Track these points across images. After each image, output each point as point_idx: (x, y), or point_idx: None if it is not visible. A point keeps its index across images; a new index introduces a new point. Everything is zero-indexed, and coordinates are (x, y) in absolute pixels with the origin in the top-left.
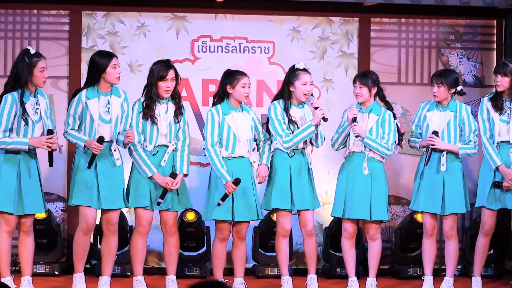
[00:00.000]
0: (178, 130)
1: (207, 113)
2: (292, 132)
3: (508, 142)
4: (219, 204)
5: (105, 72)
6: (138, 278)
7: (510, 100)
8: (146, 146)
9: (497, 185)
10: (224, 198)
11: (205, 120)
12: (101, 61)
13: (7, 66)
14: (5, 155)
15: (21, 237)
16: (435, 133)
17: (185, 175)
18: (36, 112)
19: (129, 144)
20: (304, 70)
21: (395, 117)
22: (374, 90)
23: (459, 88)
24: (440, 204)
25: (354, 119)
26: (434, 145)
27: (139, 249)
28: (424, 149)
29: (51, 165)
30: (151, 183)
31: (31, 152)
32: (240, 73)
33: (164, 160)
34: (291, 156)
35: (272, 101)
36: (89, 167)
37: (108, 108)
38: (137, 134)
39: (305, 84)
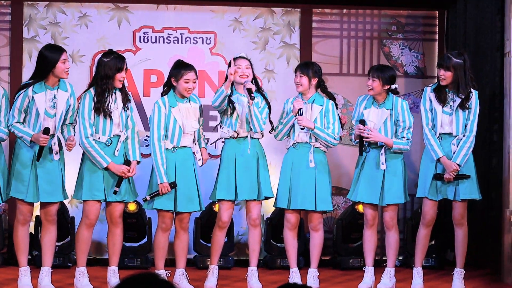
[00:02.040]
0: (127, 118)
1: (153, 104)
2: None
3: (450, 134)
4: (145, 200)
5: (54, 67)
6: (81, 269)
7: (453, 92)
8: (99, 138)
9: (438, 177)
10: (153, 196)
11: (152, 112)
12: (51, 56)
13: None
14: None
15: None
16: (362, 122)
17: (138, 162)
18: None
19: (81, 141)
20: (241, 57)
21: (337, 107)
22: (314, 81)
23: (393, 86)
24: (379, 194)
25: (300, 111)
26: (364, 136)
27: (85, 241)
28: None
29: (38, 159)
30: (105, 175)
31: None
32: (186, 67)
33: (118, 150)
34: (236, 138)
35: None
36: (38, 159)
37: (54, 103)
38: (89, 127)
39: (239, 67)
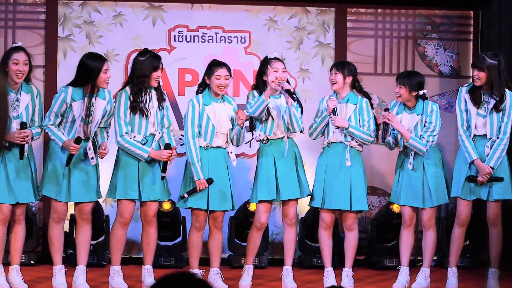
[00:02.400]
0: (162, 117)
1: (188, 102)
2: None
3: (484, 136)
4: (183, 197)
5: (97, 77)
6: (116, 268)
7: (488, 94)
8: (135, 137)
9: (471, 179)
10: (191, 192)
11: (187, 109)
12: (94, 66)
13: None
14: None
15: (12, 227)
16: (387, 109)
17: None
18: (15, 108)
19: (116, 139)
20: (276, 58)
21: (372, 107)
22: (349, 79)
23: (421, 92)
24: (421, 197)
25: (334, 111)
26: (390, 121)
27: (119, 239)
28: (390, 137)
29: (21, 157)
30: (140, 174)
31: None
32: (217, 64)
33: (152, 148)
34: (265, 143)
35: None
36: (67, 165)
37: (91, 110)
38: (125, 125)
39: (276, 71)
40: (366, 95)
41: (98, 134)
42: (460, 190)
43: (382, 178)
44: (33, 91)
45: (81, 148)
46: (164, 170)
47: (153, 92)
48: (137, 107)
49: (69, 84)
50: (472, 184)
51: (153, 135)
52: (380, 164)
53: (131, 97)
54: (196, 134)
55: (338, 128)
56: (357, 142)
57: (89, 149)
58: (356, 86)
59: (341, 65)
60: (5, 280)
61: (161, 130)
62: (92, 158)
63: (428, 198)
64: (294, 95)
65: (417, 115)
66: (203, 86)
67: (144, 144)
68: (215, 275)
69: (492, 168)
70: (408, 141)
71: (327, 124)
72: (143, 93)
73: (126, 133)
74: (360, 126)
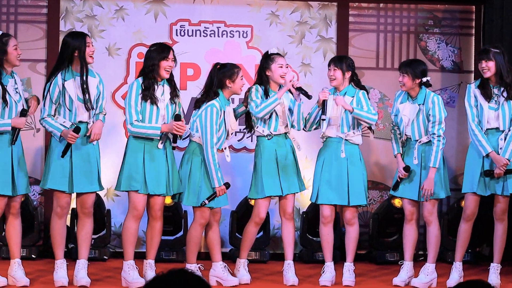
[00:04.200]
0: (173, 113)
1: (210, 108)
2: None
3: (497, 129)
4: (204, 204)
5: (82, 52)
6: (130, 262)
7: (497, 87)
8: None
9: (488, 173)
10: (211, 198)
11: (206, 115)
12: (76, 42)
13: None
14: None
15: (10, 220)
16: (406, 169)
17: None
18: (16, 92)
19: (128, 128)
20: (278, 54)
21: (368, 97)
22: (348, 74)
23: (425, 79)
24: (417, 190)
25: (324, 103)
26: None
27: (133, 233)
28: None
29: (14, 143)
30: (146, 167)
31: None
32: (236, 66)
33: (162, 143)
34: (269, 139)
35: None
36: (62, 156)
37: (86, 88)
38: (135, 113)
39: (281, 67)
40: (364, 89)
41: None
42: (476, 186)
43: (384, 172)
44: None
45: (82, 130)
46: (175, 141)
47: (166, 86)
48: (147, 96)
49: (54, 68)
50: (487, 179)
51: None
52: (381, 158)
53: (142, 85)
54: (216, 143)
55: (324, 119)
56: (354, 133)
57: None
58: (354, 79)
59: (339, 60)
60: None
61: None
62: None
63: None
64: (309, 93)
65: (419, 105)
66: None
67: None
68: (223, 269)
69: (508, 160)
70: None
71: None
72: (155, 85)
73: (136, 120)
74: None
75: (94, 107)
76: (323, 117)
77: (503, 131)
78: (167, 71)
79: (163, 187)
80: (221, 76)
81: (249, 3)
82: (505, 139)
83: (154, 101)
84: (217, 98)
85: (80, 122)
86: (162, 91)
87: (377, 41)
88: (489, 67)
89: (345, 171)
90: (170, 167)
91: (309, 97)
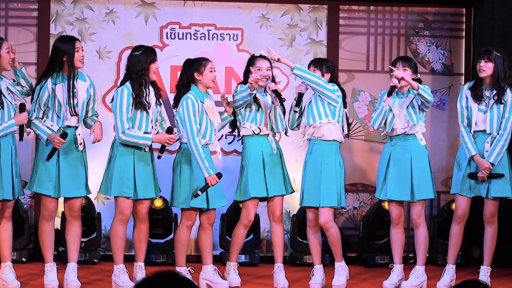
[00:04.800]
0: (158, 113)
1: (184, 101)
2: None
3: (484, 131)
4: (197, 195)
5: (71, 57)
6: (120, 266)
7: (490, 89)
8: (135, 133)
9: (472, 176)
10: (204, 189)
11: (183, 108)
12: (65, 46)
13: None
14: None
15: (3, 223)
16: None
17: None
18: (9, 92)
19: (119, 136)
20: (262, 56)
21: (345, 106)
22: (327, 76)
23: (418, 75)
24: (409, 191)
25: (300, 95)
26: (398, 77)
27: (121, 237)
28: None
29: (21, 139)
30: (136, 172)
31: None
32: (204, 59)
33: (160, 156)
34: (258, 133)
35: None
36: (48, 159)
37: (75, 92)
38: (127, 121)
39: (260, 69)
40: (343, 92)
41: (88, 122)
42: (459, 187)
43: (373, 175)
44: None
45: (70, 135)
46: (162, 151)
47: (151, 88)
48: (141, 103)
49: (45, 72)
50: (472, 181)
51: (149, 133)
52: (372, 162)
53: (133, 93)
54: (198, 133)
55: (310, 125)
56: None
57: (79, 135)
58: (334, 81)
59: (319, 62)
60: None
61: (156, 127)
62: (80, 144)
63: (416, 192)
64: (282, 96)
65: (411, 94)
66: (186, 85)
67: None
68: (213, 272)
69: (492, 164)
70: (417, 90)
71: (300, 116)
72: (145, 89)
73: (128, 129)
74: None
75: (81, 112)
76: (295, 108)
77: (490, 134)
78: (156, 73)
79: (152, 191)
80: (190, 71)
81: (239, 6)
82: (491, 143)
83: (145, 109)
84: (191, 91)
85: (68, 126)
86: (148, 93)
87: (368, 44)
88: (486, 68)
89: (319, 173)
90: (154, 168)
91: (281, 100)
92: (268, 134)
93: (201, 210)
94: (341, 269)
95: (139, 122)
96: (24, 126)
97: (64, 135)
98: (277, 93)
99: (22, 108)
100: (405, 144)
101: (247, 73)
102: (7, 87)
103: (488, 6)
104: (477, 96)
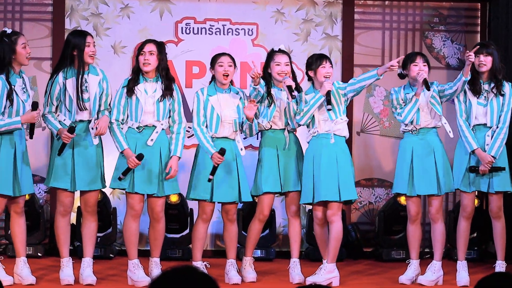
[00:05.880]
0: (169, 111)
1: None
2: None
3: (485, 125)
4: (210, 180)
5: (81, 51)
6: (135, 261)
7: (488, 83)
8: (133, 124)
9: (473, 169)
10: (213, 171)
11: (193, 102)
12: (77, 41)
13: None
14: (1, 136)
15: (14, 219)
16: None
17: (179, 158)
18: (24, 91)
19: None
20: (280, 51)
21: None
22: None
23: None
24: (436, 184)
25: (290, 88)
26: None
27: (133, 232)
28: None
29: (31, 137)
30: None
31: (20, 133)
32: (219, 54)
33: (152, 140)
34: (268, 129)
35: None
36: (59, 154)
37: (86, 87)
38: (117, 112)
39: (278, 65)
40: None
41: (99, 116)
42: (460, 182)
43: (388, 169)
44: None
45: (84, 128)
46: (124, 173)
47: (159, 83)
48: (130, 90)
49: (57, 66)
50: (472, 176)
51: (154, 126)
52: (385, 156)
53: (129, 81)
54: (202, 122)
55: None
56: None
57: (92, 129)
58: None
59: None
60: (5, 273)
61: (164, 123)
62: (95, 138)
63: (443, 185)
64: (293, 93)
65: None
66: (211, 80)
67: (140, 132)
68: (229, 267)
69: (493, 157)
70: (466, 77)
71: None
72: (142, 80)
73: (117, 119)
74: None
75: (93, 106)
76: (328, 107)
77: (490, 128)
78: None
79: (163, 188)
80: (210, 66)
81: (254, 1)
82: (492, 136)
83: (135, 95)
84: (207, 86)
85: (81, 121)
86: (154, 88)
87: (383, 39)
88: (486, 62)
89: (311, 169)
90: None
91: (292, 96)
92: (284, 129)
93: (222, 205)
94: (328, 269)
95: (135, 114)
96: (33, 125)
97: (71, 130)
98: (290, 89)
99: (34, 106)
100: (427, 137)
101: (265, 68)
102: (23, 86)
103: (503, 1)
104: (476, 90)
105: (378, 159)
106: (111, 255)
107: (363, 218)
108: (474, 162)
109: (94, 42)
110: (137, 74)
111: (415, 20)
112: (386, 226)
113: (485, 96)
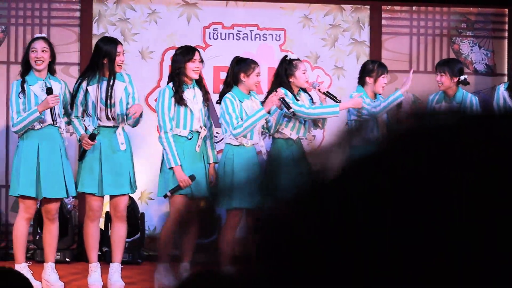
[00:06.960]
0: (207, 116)
1: (224, 99)
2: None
3: None
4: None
5: (111, 59)
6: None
7: None
8: (181, 132)
9: None
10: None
11: (222, 107)
12: (107, 48)
13: (18, 53)
14: (24, 141)
15: (46, 225)
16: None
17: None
18: (44, 93)
19: (159, 136)
20: (297, 59)
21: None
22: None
23: (462, 77)
24: None
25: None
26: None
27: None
28: None
29: (80, 159)
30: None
31: (54, 135)
32: (254, 62)
33: (199, 146)
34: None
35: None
36: (80, 160)
37: (111, 92)
38: (169, 121)
39: (304, 73)
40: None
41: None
42: None
43: None
44: (61, 84)
45: (110, 133)
46: (172, 191)
47: (197, 89)
48: (181, 98)
49: (85, 71)
50: None
51: (198, 132)
52: None
53: (173, 89)
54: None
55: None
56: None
57: (119, 135)
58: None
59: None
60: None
61: (205, 129)
62: (122, 144)
63: None
64: (337, 98)
65: (457, 103)
66: (231, 84)
67: (190, 139)
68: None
69: None
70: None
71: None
72: (184, 88)
73: (171, 129)
74: None
75: (120, 111)
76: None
77: None
78: (196, 72)
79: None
80: (237, 70)
81: (282, 6)
82: None
83: (186, 106)
84: (231, 92)
85: (105, 127)
86: (193, 94)
87: (410, 44)
88: None
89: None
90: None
91: (337, 101)
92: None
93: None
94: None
95: (184, 121)
96: (53, 110)
97: (92, 137)
98: (329, 95)
99: (49, 91)
100: None
101: (285, 77)
102: (45, 87)
103: None
104: None
105: None
106: (139, 260)
107: None
108: None
109: (123, 50)
110: (179, 81)
111: (442, 25)
112: None
113: None
